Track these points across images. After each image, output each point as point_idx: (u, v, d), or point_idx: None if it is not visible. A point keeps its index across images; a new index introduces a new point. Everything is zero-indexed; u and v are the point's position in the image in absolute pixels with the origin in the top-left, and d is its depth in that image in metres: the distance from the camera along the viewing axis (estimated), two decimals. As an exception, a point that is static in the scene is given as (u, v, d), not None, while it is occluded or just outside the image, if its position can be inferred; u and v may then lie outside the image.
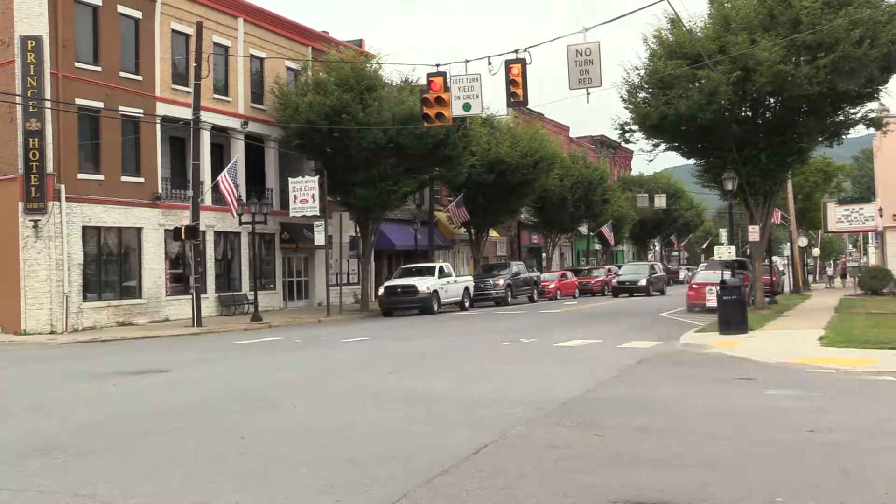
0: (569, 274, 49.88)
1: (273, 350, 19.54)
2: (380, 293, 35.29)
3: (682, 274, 70.42)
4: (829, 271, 76.97)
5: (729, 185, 25.73)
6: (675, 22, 27.06)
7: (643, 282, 46.74)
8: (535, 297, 41.70)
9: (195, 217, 28.57)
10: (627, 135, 30.13)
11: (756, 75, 24.80)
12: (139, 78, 30.73)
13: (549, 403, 10.37)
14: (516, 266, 42.98)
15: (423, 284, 33.72)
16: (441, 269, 36.35)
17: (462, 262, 55.59)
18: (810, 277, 62.61)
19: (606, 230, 64.36)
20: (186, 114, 30.25)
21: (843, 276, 61.46)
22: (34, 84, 26.87)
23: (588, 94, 19.15)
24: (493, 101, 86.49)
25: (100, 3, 29.30)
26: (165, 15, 31.88)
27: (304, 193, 33.75)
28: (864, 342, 16.63)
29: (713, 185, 32.42)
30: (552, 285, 45.51)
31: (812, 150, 32.21)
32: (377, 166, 34.87)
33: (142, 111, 30.41)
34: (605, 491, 6.42)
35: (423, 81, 21.58)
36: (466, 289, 37.09)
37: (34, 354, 20.40)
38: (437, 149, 35.99)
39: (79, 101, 28.15)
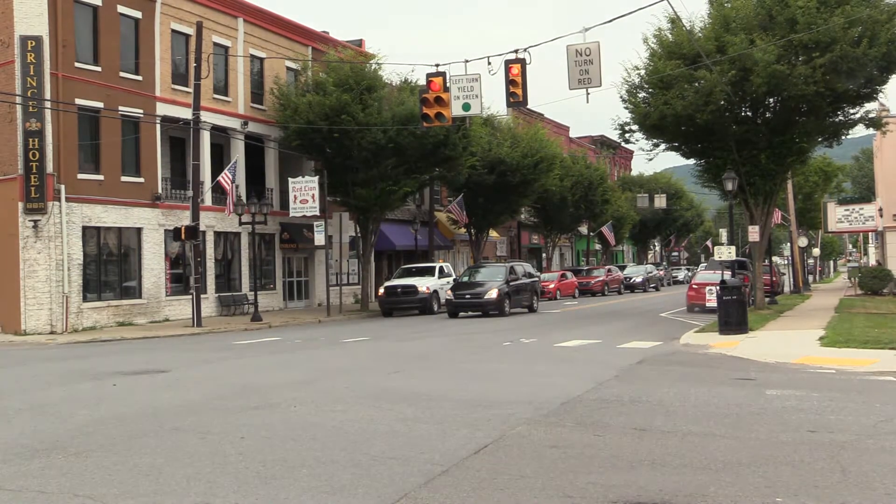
0: (568, 274, 49.78)
1: (273, 350, 19.54)
2: (380, 293, 35.05)
3: (682, 274, 70.40)
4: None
5: (729, 185, 25.73)
6: (675, 22, 27.08)
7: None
8: (535, 305, 33.98)
9: (195, 217, 28.58)
10: (627, 135, 30.14)
11: (753, 76, 24.81)
12: (139, 78, 30.74)
13: (548, 403, 10.37)
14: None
15: (423, 284, 33.58)
16: (441, 269, 36.06)
17: (462, 262, 55.57)
18: (810, 277, 62.61)
19: (606, 230, 64.34)
20: (186, 114, 30.26)
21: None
22: (34, 84, 26.88)
23: (588, 94, 19.17)
24: (493, 102, 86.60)
25: (100, 3, 29.30)
26: (165, 15, 31.89)
27: (304, 193, 33.75)
28: (864, 342, 16.63)
29: (713, 185, 32.42)
30: (552, 285, 45.43)
31: (812, 151, 32.22)
32: (377, 166, 34.88)
33: (142, 111, 30.42)
34: (605, 491, 6.42)
35: (423, 82, 21.57)
36: None
37: (34, 354, 20.39)
38: (437, 149, 36.00)
39: (79, 101, 28.16)
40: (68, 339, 24.95)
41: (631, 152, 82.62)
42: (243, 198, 33.97)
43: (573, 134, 73.58)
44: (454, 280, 34.46)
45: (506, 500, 6.26)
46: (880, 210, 44.01)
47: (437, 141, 35.26)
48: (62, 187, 27.50)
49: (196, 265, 29.01)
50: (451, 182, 43.71)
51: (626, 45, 33.51)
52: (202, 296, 29.23)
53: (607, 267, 56.69)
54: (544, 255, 63.58)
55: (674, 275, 70.20)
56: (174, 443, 8.46)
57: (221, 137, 35.45)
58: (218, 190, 32.30)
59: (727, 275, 24.15)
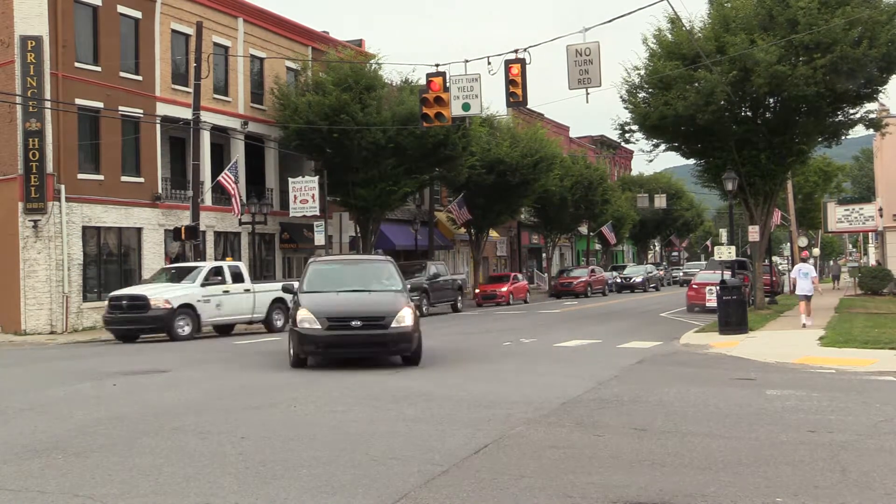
0: (520, 276, 45.92)
1: (273, 350, 19.51)
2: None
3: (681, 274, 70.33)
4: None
5: (729, 185, 25.75)
6: (675, 22, 27.09)
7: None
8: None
9: (195, 217, 28.57)
10: (627, 135, 30.18)
11: (754, 76, 24.83)
12: (139, 78, 30.75)
13: (548, 404, 10.37)
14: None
15: (164, 295, 22.85)
16: (216, 270, 24.81)
17: (462, 262, 55.61)
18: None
19: (606, 230, 64.37)
20: (186, 114, 30.26)
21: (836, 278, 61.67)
22: (34, 84, 26.89)
23: (587, 93, 19.18)
24: (493, 102, 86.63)
25: (100, 3, 29.31)
26: (165, 15, 31.89)
27: (304, 193, 33.77)
28: (864, 342, 16.64)
29: (713, 185, 32.47)
30: (504, 289, 41.90)
31: (812, 151, 32.24)
32: (377, 166, 34.88)
33: (142, 111, 30.43)
34: (605, 491, 6.42)
35: (423, 82, 21.58)
36: (274, 302, 25.44)
37: (34, 354, 20.38)
38: (436, 149, 36.01)
39: (79, 101, 28.16)
40: (68, 339, 24.94)
41: (631, 152, 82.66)
42: (243, 198, 33.95)
43: (573, 134, 73.60)
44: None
45: (506, 500, 6.26)
46: (880, 210, 44.01)
47: (436, 141, 35.27)
48: (62, 187, 27.50)
49: (196, 265, 28.98)
50: (450, 182, 43.73)
51: (626, 46, 33.54)
52: (202, 296, 29.20)
53: (590, 267, 54.41)
54: (544, 254, 63.60)
55: (673, 275, 70.13)
56: (174, 443, 8.45)
57: (221, 137, 35.45)
58: (218, 190, 32.31)
59: (727, 275, 24.16)
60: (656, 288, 57.53)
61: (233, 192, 30.77)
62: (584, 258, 69.03)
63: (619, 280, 55.91)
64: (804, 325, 20.83)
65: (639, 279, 55.91)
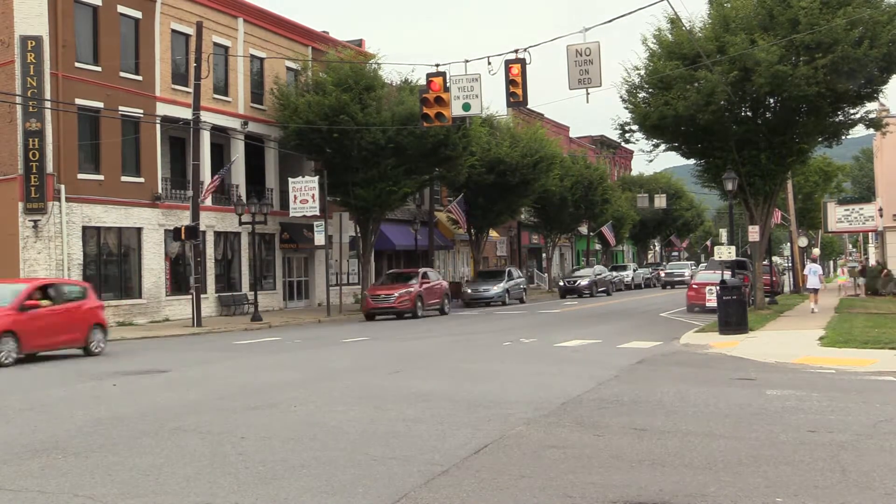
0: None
1: (273, 350, 19.54)
2: None
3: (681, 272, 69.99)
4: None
5: (729, 185, 25.75)
6: (675, 22, 27.08)
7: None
8: None
9: (195, 217, 28.57)
10: (627, 135, 30.16)
11: (754, 76, 24.82)
12: (139, 78, 30.74)
13: (548, 404, 10.37)
14: None
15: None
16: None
17: (462, 262, 55.64)
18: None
19: (606, 230, 64.34)
20: (186, 114, 30.25)
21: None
22: (34, 84, 26.88)
23: (588, 94, 19.17)
24: (493, 101, 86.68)
25: (100, 3, 29.31)
26: (165, 15, 31.89)
27: (304, 193, 33.76)
28: (864, 342, 16.63)
29: (713, 185, 32.45)
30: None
31: (812, 151, 32.24)
32: (377, 166, 34.87)
33: (142, 111, 30.42)
34: (605, 491, 6.42)
35: (423, 82, 21.58)
36: None
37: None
38: (436, 149, 35.99)
39: (79, 101, 28.16)
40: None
41: (631, 152, 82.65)
42: (243, 198, 33.93)
43: (573, 134, 73.59)
44: None
45: (506, 500, 6.26)
46: (880, 210, 43.98)
47: (436, 141, 35.25)
48: (62, 187, 27.50)
49: (196, 265, 29.00)
50: (451, 182, 43.71)
51: (626, 45, 33.55)
52: (202, 296, 29.22)
53: (422, 270, 35.30)
54: (544, 255, 63.59)
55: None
56: (174, 443, 8.46)
57: (221, 137, 35.44)
58: (218, 190, 32.30)
59: (727, 275, 24.16)
60: (607, 292, 49.48)
61: (213, 184, 30.40)
62: (584, 258, 69.02)
63: (561, 284, 49.13)
64: (812, 311, 26.18)
65: (584, 282, 48.10)
